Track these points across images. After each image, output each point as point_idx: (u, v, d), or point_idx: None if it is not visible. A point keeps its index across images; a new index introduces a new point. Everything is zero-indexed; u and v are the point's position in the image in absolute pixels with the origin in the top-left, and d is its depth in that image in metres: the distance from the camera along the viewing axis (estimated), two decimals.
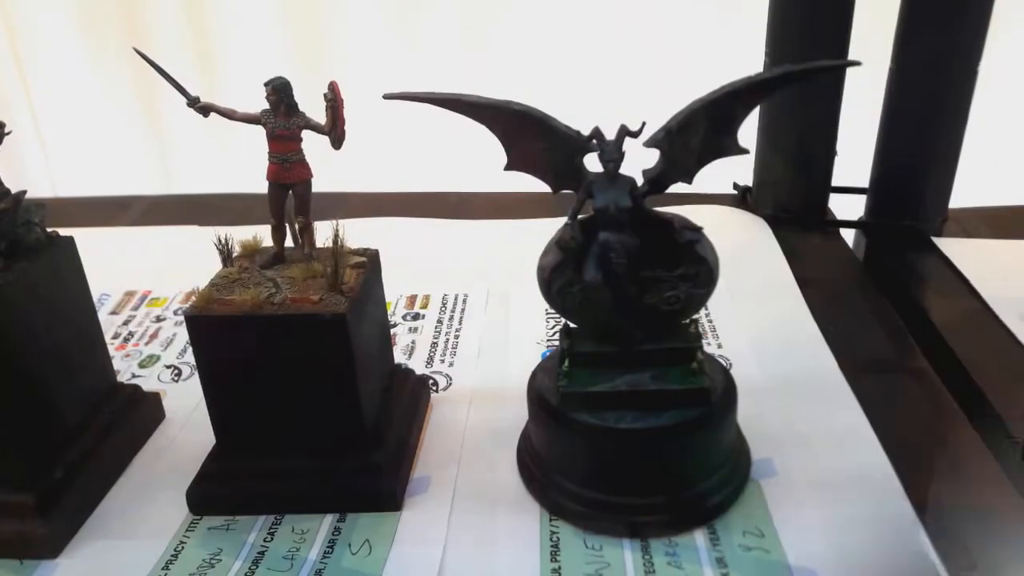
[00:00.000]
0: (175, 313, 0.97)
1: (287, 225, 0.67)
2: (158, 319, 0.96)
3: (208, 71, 1.40)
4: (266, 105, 0.63)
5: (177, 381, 0.85)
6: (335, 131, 0.63)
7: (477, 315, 0.97)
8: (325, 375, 0.64)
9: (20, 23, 1.36)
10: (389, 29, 1.42)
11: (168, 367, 0.87)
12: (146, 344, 0.91)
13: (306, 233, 0.66)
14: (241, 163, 1.24)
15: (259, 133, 0.64)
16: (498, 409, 0.78)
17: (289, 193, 0.65)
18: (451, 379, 0.85)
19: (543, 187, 0.65)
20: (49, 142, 1.52)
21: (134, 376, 0.86)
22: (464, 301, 0.99)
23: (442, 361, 0.88)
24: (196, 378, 0.69)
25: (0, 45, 1.38)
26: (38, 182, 1.50)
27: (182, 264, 1.03)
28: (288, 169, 0.63)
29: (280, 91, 0.61)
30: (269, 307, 0.62)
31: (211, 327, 0.62)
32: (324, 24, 1.38)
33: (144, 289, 1.03)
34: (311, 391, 0.65)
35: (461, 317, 0.96)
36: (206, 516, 0.67)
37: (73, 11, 1.37)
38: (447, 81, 0.67)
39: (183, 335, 0.91)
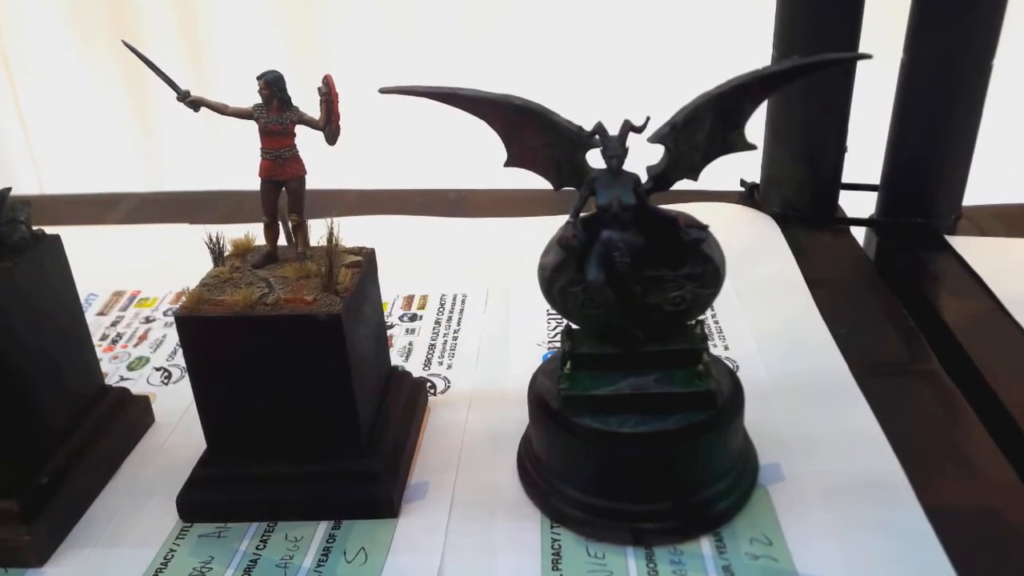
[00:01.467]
0: (165, 314, 0.95)
1: (280, 223, 0.65)
2: (147, 320, 0.94)
3: (199, 65, 1.38)
4: (259, 99, 0.61)
5: (167, 384, 0.83)
6: (329, 126, 0.61)
7: (476, 316, 0.95)
8: (319, 378, 0.62)
9: (5, 16, 1.34)
10: (386, 22, 1.39)
11: (158, 369, 0.85)
12: (135, 346, 0.89)
13: (300, 231, 0.65)
14: (232, 159, 1.23)
15: (251, 128, 0.62)
16: (498, 412, 0.76)
17: (282, 190, 0.64)
18: (449, 382, 0.83)
19: (544, 184, 0.63)
20: (35, 138, 1.49)
21: (123, 379, 0.84)
22: (463, 301, 0.97)
23: (440, 363, 0.86)
24: (187, 381, 0.68)
25: None
26: (24, 179, 1.47)
27: (172, 263, 1.01)
28: (281, 165, 0.61)
29: (273, 85, 0.59)
30: (261, 308, 0.60)
31: (201, 328, 0.61)
32: (319, 16, 1.36)
33: (133, 289, 1.01)
34: (305, 394, 0.63)
35: (460, 318, 0.94)
36: (197, 523, 0.65)
37: (60, 3, 1.34)
38: (446, 74, 0.65)
39: (173, 336, 0.89)
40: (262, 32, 1.36)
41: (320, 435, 0.64)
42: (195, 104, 0.60)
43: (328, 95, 0.60)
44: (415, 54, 1.40)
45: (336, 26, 1.36)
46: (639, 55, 1.38)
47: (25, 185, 1.39)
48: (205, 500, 0.65)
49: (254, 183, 0.64)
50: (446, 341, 0.90)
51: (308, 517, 0.65)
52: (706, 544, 0.61)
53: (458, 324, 0.93)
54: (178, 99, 0.60)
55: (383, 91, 0.57)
